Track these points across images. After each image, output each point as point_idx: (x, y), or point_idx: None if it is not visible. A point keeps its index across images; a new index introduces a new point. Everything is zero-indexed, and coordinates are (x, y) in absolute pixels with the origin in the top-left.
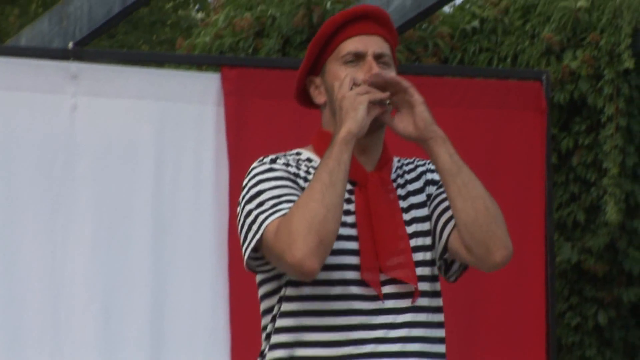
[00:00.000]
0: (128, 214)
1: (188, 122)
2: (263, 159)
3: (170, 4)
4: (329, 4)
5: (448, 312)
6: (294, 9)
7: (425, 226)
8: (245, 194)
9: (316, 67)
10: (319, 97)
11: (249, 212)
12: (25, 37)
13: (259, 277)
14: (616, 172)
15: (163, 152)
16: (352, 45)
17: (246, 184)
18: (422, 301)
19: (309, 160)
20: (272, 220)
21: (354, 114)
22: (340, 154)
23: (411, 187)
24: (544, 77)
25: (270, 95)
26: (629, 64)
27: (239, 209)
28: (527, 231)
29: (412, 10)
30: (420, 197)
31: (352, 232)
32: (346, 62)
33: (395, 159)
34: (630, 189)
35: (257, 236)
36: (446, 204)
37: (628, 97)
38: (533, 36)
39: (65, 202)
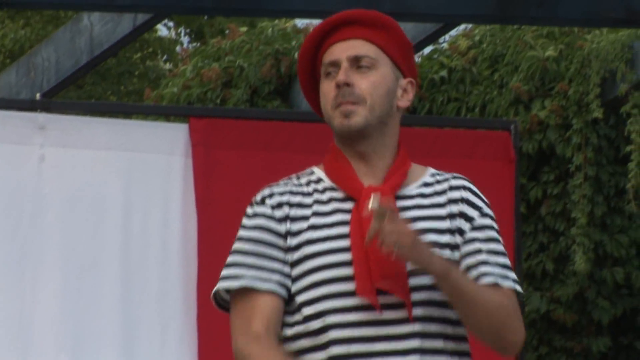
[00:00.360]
0: (96, 264)
1: (156, 173)
2: (257, 196)
3: (138, 54)
4: (296, 54)
5: None
6: (262, 59)
7: (443, 238)
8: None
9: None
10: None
11: (229, 253)
12: None
13: None
14: (585, 221)
15: (131, 203)
16: (328, 56)
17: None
18: (428, 311)
19: (317, 181)
20: (233, 289)
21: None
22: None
23: (427, 201)
24: (512, 126)
25: (238, 146)
26: (597, 113)
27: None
28: None
29: None
30: (439, 211)
31: (347, 257)
32: (326, 75)
33: (431, 171)
34: (599, 239)
35: (217, 287)
36: (472, 260)
37: (597, 147)
38: (501, 86)
39: (33, 253)
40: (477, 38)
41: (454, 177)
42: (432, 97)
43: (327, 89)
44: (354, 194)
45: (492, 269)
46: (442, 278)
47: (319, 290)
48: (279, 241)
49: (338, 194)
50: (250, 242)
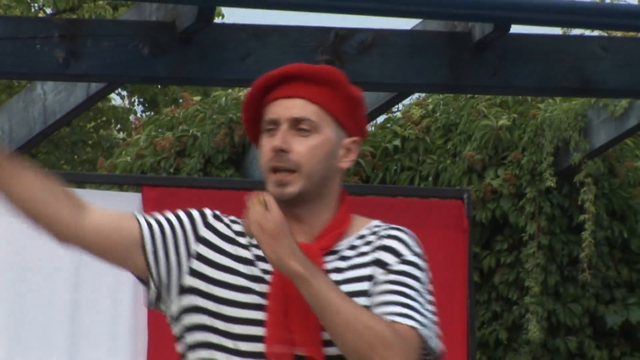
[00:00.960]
0: (44, 335)
1: None
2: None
3: (92, 123)
4: None
5: None
6: (215, 128)
7: (360, 301)
8: None
9: None
10: None
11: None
12: None
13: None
14: (538, 290)
15: (81, 273)
16: (270, 112)
17: None
18: None
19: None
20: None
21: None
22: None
23: (358, 260)
24: (465, 195)
25: None
26: (550, 182)
27: None
28: (449, 350)
29: None
30: (363, 271)
31: (258, 315)
32: (266, 131)
33: (372, 224)
34: (552, 308)
35: None
36: (378, 299)
37: (550, 216)
38: (455, 155)
39: None
40: (430, 107)
41: (391, 228)
42: (385, 166)
43: (265, 147)
44: None
45: (391, 308)
46: (299, 281)
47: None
48: (187, 236)
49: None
50: (164, 219)
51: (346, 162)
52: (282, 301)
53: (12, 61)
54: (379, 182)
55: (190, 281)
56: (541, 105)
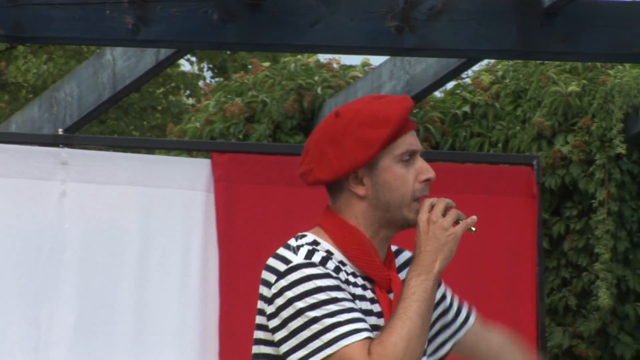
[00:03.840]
0: (111, 302)
1: (177, 208)
2: (311, 258)
3: (161, 89)
4: (319, 89)
5: None
6: (285, 94)
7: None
8: (303, 296)
9: None
10: (359, 189)
11: (315, 319)
12: (15, 123)
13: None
14: (608, 257)
15: (150, 239)
16: (406, 143)
17: (299, 283)
18: None
19: (342, 263)
20: (354, 342)
21: (449, 253)
22: (433, 293)
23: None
24: (534, 162)
25: (260, 181)
26: (620, 149)
27: (291, 310)
28: (518, 316)
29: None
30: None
31: None
32: (402, 161)
33: (392, 249)
34: (622, 274)
35: (329, 351)
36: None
37: (619, 182)
38: (524, 121)
39: (51, 288)
40: (499, 73)
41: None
42: (454, 133)
43: (407, 177)
44: (381, 281)
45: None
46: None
47: None
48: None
49: (359, 279)
50: (347, 302)
51: None
52: None
53: (81, 27)
54: (448, 149)
55: None
56: (611, 72)
